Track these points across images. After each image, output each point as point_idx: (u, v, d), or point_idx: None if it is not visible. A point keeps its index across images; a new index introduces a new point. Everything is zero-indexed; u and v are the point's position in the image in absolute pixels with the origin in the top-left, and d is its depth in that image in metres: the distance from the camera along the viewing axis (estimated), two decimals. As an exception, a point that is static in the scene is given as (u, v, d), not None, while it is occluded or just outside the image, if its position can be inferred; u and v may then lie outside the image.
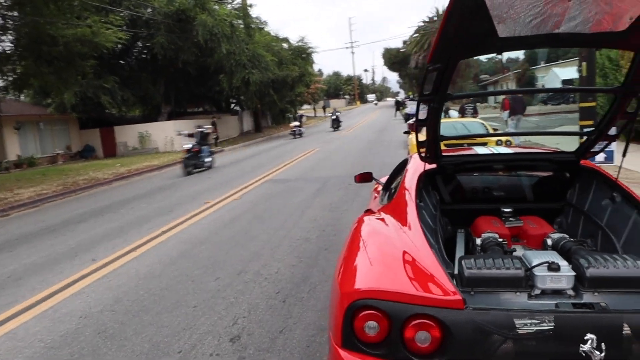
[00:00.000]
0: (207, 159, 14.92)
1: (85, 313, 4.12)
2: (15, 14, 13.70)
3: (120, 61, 25.17)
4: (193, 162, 14.01)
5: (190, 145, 14.09)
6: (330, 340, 1.85)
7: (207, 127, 16.05)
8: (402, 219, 2.38)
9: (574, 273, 1.85)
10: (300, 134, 26.61)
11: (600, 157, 6.56)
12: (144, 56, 25.88)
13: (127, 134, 24.31)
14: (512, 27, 1.72)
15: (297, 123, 27.49)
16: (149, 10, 22.83)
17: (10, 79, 15.75)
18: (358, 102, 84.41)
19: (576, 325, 1.57)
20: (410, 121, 18.33)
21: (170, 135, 23.52)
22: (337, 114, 30.15)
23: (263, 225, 6.76)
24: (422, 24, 47.49)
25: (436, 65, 2.09)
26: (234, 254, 5.49)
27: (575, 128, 9.82)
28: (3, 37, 14.26)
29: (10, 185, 13.80)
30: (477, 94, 18.88)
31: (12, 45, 14.69)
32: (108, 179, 14.43)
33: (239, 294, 4.21)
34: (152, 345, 3.40)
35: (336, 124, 29.60)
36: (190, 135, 14.91)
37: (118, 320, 3.90)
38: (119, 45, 19.76)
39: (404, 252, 2.03)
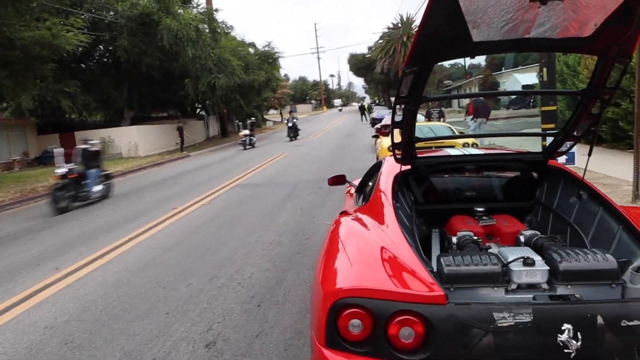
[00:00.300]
0: (96, 188, 10.51)
1: (51, 323, 3.97)
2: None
3: (82, 65, 24.40)
4: (70, 194, 9.85)
5: (65, 170, 9.89)
6: (313, 340, 1.85)
7: (94, 143, 11.30)
8: (380, 219, 2.42)
9: (548, 267, 1.93)
10: (252, 145, 22.95)
11: (562, 159, 6.84)
12: (106, 60, 25.21)
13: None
14: (485, 32, 1.80)
15: (246, 132, 23.06)
16: (112, 13, 22.26)
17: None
18: (325, 107, 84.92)
19: (553, 316, 1.63)
20: (378, 125, 18.58)
21: (135, 140, 23.00)
22: (294, 120, 25.77)
23: (234, 231, 6.70)
24: (387, 31, 48.40)
25: (413, 69, 2.14)
26: (205, 259, 5.42)
27: (537, 131, 10.21)
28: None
29: (-37, 193, 13.10)
30: (451, 96, 19.16)
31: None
32: (69, 185, 13.89)
33: (212, 300, 4.16)
34: (123, 354, 3.31)
35: (293, 132, 25.32)
36: (68, 155, 10.63)
37: (86, 330, 3.78)
38: (80, 49, 19.13)
39: (384, 251, 2.07)
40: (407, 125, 2.62)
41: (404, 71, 2.17)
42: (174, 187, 12.01)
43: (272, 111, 50.12)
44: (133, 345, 3.43)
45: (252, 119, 27.35)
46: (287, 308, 3.85)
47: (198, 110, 33.61)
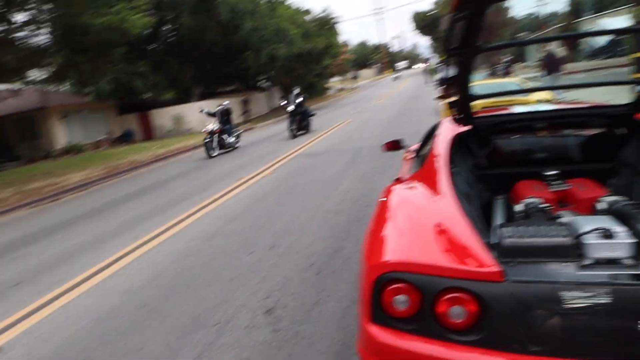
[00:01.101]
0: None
1: (129, 288, 4.32)
2: (50, 6, 14.05)
3: (149, 46, 25.58)
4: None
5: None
6: (359, 314, 1.79)
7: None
8: (434, 187, 2.24)
9: (634, 240, 1.62)
10: (229, 146, 14.28)
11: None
12: (171, 39, 26.16)
13: (163, 117, 24.90)
14: None
15: (212, 126, 13.66)
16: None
17: (49, 71, 16.30)
18: (389, 71, 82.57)
19: (637, 299, 1.39)
20: (443, 86, 17.76)
21: (203, 115, 23.93)
22: (298, 99, 15.31)
23: (295, 199, 6.83)
24: (454, -17, 45.48)
25: (462, 14, 1.89)
26: (267, 228, 5.59)
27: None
28: (39, 32, 14.73)
29: (60, 171, 14.52)
30: (510, 44, 16.14)
31: (48, 39, 15.18)
32: (147, 160, 14.90)
33: (272, 268, 4.30)
34: (191, 318, 3.53)
35: (298, 121, 15.16)
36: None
37: (159, 295, 4.07)
38: (146, 31, 20.00)
39: (436, 222, 1.92)
40: (461, 80, 2.38)
41: (452, 17, 1.91)
42: (241, 158, 12.40)
43: (334, 78, 49.64)
44: (200, 310, 3.65)
45: (226, 102, 15.50)
46: (345, 277, 3.88)
47: (261, 82, 34.16)
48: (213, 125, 13.71)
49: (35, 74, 16.39)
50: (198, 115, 23.82)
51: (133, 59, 20.59)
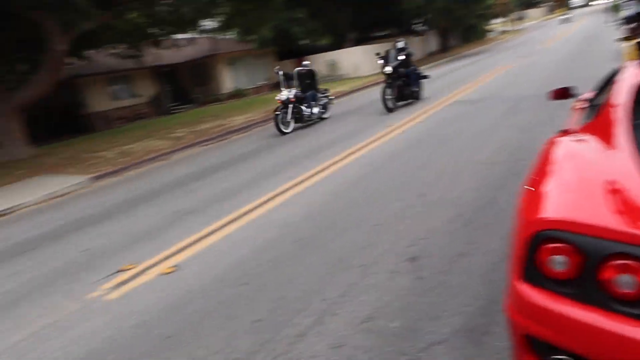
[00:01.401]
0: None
1: (284, 224, 4.70)
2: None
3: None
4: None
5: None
6: (509, 270, 1.70)
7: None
8: (609, 140, 1.96)
9: None
10: (308, 117, 11.28)
11: None
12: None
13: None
14: None
15: (288, 93, 10.85)
16: None
17: (219, 21, 17.90)
18: (561, 10, 71.60)
19: None
20: (631, 25, 14.80)
21: (358, 60, 24.06)
22: (401, 55, 11.38)
23: (447, 147, 6.57)
24: None
25: None
26: (417, 175, 5.51)
27: None
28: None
29: (225, 114, 16.18)
30: None
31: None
32: (302, 106, 15.64)
33: (419, 216, 4.24)
34: (338, 258, 3.70)
35: (397, 89, 11.06)
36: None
37: (310, 233, 4.35)
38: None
39: (609, 179, 1.68)
40: None
41: None
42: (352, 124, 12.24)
43: (496, 20, 44.98)
44: (345, 250, 3.80)
45: (307, 62, 12.54)
46: (495, 231, 3.65)
47: (417, 25, 32.72)
48: (289, 92, 10.84)
49: (207, 24, 18.14)
50: (352, 60, 24.08)
51: (292, 6, 21.34)
